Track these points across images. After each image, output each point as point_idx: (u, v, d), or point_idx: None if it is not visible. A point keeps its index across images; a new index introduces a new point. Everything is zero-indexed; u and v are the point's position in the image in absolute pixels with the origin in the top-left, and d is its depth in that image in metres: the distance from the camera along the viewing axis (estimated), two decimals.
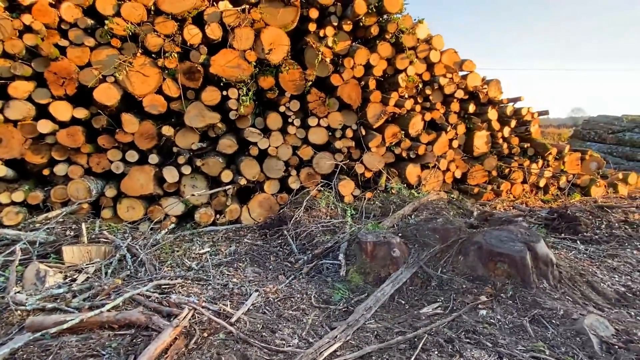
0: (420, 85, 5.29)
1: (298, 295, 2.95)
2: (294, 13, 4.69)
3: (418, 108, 5.34)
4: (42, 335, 2.27)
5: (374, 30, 5.02)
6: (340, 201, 4.80)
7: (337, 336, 2.37)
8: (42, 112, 4.00)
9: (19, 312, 2.52)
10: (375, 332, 2.47)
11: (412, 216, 4.19)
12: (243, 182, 4.59)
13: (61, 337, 2.33)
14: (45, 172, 4.11)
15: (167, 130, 4.32)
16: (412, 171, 5.26)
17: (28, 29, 3.86)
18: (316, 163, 4.93)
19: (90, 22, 4.08)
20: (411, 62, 5.08)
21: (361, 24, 4.98)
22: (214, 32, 4.38)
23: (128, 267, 3.21)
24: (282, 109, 4.75)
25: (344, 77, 4.86)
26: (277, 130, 4.76)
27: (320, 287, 3.10)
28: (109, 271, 3.14)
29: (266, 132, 4.75)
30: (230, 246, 3.95)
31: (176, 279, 3.02)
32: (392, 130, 5.12)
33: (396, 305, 2.87)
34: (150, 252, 3.48)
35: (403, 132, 5.18)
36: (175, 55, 4.32)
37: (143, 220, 4.30)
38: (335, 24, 4.85)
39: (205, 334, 2.37)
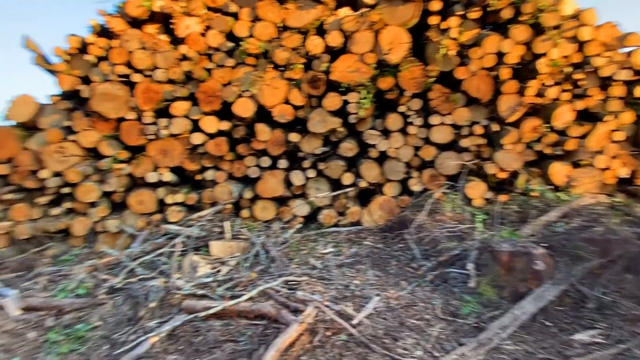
0: (569, 69, 4.49)
1: (421, 304, 2.81)
2: (414, 8, 4.51)
3: (565, 96, 4.54)
4: (194, 318, 2.66)
5: (507, 14, 4.47)
6: (467, 205, 4.41)
7: (466, 354, 2.16)
8: (195, 126, 4.72)
9: (177, 295, 3.00)
10: (514, 355, 2.17)
11: (560, 223, 3.58)
12: (363, 184, 4.61)
13: (208, 320, 2.68)
14: (198, 177, 4.85)
15: (294, 137, 4.64)
16: (559, 170, 4.49)
17: (184, 57, 4.61)
18: (439, 163, 4.64)
19: (230, 44, 4.65)
20: (555, 44, 4.36)
21: (490, 9, 4.50)
22: (335, 39, 4.52)
23: (261, 262, 3.53)
24: (402, 108, 4.62)
25: (471, 68, 4.46)
26: (397, 131, 4.64)
27: (446, 297, 2.89)
28: (246, 265, 3.51)
29: (386, 133, 4.68)
30: (352, 248, 4.00)
31: (302, 276, 3.20)
32: (531, 124, 4.47)
33: (539, 326, 2.48)
34: (280, 249, 3.77)
35: (546, 125, 4.47)
36: (300, 66, 4.60)
37: (275, 220, 4.69)
38: (461, 13, 4.49)
39: (328, 334, 2.43)
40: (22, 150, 4.55)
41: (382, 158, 4.69)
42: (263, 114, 4.84)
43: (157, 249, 3.89)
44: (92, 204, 4.58)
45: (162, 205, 4.72)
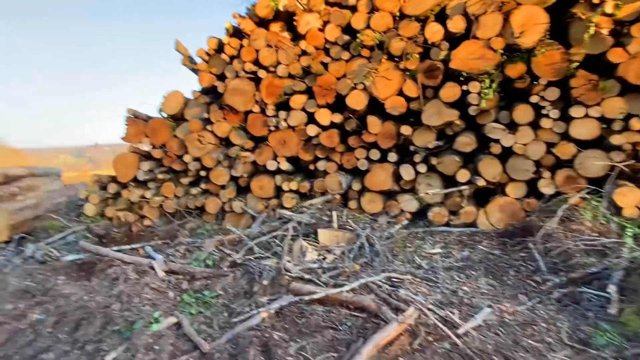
0: None
1: (543, 324, 2.47)
2: None
3: None
4: (300, 300, 2.83)
5: None
6: (615, 214, 3.68)
7: None
8: (310, 118, 4.94)
9: (287, 277, 3.23)
10: None
11: None
12: (481, 182, 4.23)
13: (312, 305, 2.82)
14: (311, 167, 5.09)
15: (405, 130, 4.50)
16: None
17: (303, 52, 4.84)
18: (579, 163, 3.96)
19: (346, 38, 4.72)
20: None
21: None
22: (457, 25, 4.20)
23: (365, 255, 3.55)
24: (534, 99, 4.06)
25: (630, 50, 3.66)
26: (527, 125, 4.10)
27: (576, 321, 2.48)
28: (351, 256, 3.58)
29: (512, 127, 4.18)
30: (463, 251, 3.73)
31: (406, 275, 3.11)
32: None
33: None
34: (385, 244, 3.73)
35: None
36: (416, 55, 4.41)
37: (381, 214, 4.66)
38: None
39: (430, 339, 2.33)
40: (172, 138, 5.41)
41: (506, 154, 4.21)
42: (375, 106, 4.80)
43: (272, 232, 4.23)
44: (222, 187, 5.22)
45: (278, 191, 5.12)
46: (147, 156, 5.63)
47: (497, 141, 4.20)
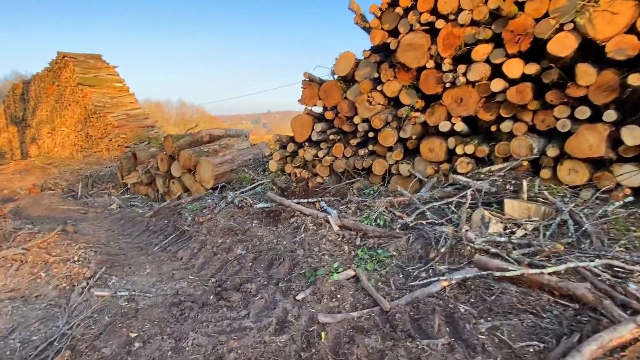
0: None
1: None
2: None
3: None
4: (487, 275, 2.52)
5: None
6: None
7: None
8: (495, 71, 4.27)
9: (468, 247, 2.93)
10: None
11: None
12: None
13: (501, 282, 2.48)
14: (493, 128, 4.47)
15: (635, 80, 3.42)
16: None
17: None
18: None
19: None
20: None
21: None
22: None
23: (569, 234, 2.93)
24: None
25: None
26: None
27: None
28: (547, 233, 3.01)
29: None
30: None
31: (634, 265, 2.42)
32: None
33: None
34: (597, 224, 3.00)
35: None
36: None
37: (585, 187, 3.78)
38: None
39: None
40: (343, 100, 5.52)
41: None
42: (587, 52, 3.80)
43: (445, 197, 3.94)
44: (390, 148, 5.11)
45: (450, 155, 4.71)
46: (320, 118, 5.94)
47: None
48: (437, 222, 3.49)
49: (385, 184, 5.17)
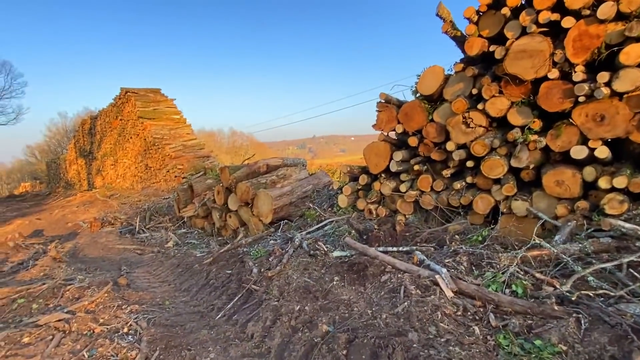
0: None
1: None
2: None
3: None
4: None
5: None
6: None
7: None
8: None
9: None
10: None
11: None
12: None
13: None
14: None
15: None
16: None
17: None
18: None
19: None
20: None
21: None
22: None
23: None
24: None
25: None
26: None
27: None
28: None
29: None
30: None
31: None
32: None
33: None
34: None
35: None
36: None
37: None
38: None
39: None
40: (429, 123, 4.61)
41: None
42: None
43: (602, 252, 2.83)
44: (497, 181, 4.08)
45: (586, 189, 3.59)
46: (399, 145, 5.06)
47: None
48: (612, 294, 2.40)
49: (491, 226, 4.11)
